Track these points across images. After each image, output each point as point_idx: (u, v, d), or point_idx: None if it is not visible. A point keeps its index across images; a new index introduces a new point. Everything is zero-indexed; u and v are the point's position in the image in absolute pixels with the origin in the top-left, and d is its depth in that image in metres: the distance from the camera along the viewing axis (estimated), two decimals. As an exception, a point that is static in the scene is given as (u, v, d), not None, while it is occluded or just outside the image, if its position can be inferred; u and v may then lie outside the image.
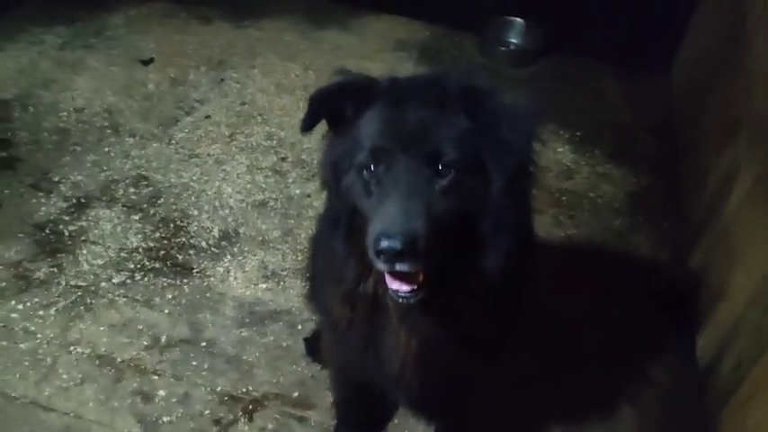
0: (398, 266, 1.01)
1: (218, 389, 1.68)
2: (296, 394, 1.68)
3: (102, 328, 1.78)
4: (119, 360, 1.72)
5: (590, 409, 1.73)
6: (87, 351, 1.73)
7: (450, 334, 1.19)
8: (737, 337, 1.62)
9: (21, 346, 1.72)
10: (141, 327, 1.80)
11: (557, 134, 2.62)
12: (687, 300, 1.96)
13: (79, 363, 1.70)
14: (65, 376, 1.67)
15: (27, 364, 1.68)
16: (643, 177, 2.46)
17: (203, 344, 1.77)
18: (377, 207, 1.05)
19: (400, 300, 1.05)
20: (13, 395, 1.62)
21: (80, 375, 1.67)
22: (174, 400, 1.65)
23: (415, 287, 1.04)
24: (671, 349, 1.88)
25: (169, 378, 1.69)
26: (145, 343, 1.76)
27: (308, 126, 1.15)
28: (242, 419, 1.62)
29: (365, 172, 1.09)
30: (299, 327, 1.82)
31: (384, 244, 0.99)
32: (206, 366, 1.72)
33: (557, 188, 2.39)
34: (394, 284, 1.05)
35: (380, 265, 1.02)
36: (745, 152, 1.87)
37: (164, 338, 1.77)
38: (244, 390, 1.68)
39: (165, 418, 1.61)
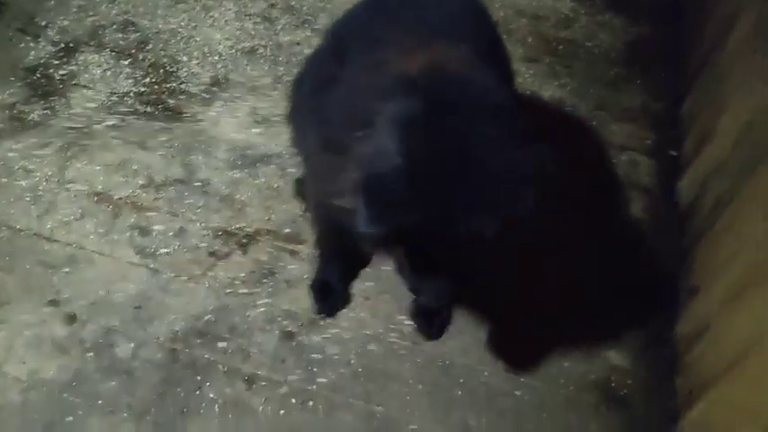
0: None
1: (213, 225, 1.75)
2: (287, 230, 1.75)
3: (97, 168, 1.83)
4: (116, 197, 1.78)
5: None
6: (85, 189, 1.78)
7: None
8: (719, 177, 1.66)
9: (21, 183, 1.78)
10: (136, 167, 1.84)
11: (558, -18, 2.52)
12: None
13: (78, 199, 1.76)
14: (65, 211, 1.74)
15: (28, 199, 1.75)
16: (644, 27, 2.39)
17: (197, 183, 1.82)
18: None
19: None
20: (17, 227, 1.70)
21: (79, 210, 1.74)
22: (171, 234, 1.73)
23: None
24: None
25: (165, 214, 1.76)
26: (140, 182, 1.81)
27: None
28: (236, 252, 1.71)
29: None
30: (290, 170, 1.86)
31: None
32: (200, 204, 1.78)
33: (554, 37, 2.33)
34: None
35: None
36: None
37: (158, 178, 1.82)
38: (237, 226, 1.75)
39: (162, 250, 1.70)
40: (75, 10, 2.22)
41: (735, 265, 1.43)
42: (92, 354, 1.54)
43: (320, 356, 1.58)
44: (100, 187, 1.79)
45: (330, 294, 1.64)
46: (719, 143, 1.71)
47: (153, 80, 2.05)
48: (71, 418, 1.45)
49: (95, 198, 1.77)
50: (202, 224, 1.75)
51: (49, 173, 1.80)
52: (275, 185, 1.83)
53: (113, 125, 1.93)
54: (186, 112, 1.97)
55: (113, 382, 1.50)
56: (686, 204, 1.81)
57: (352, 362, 1.58)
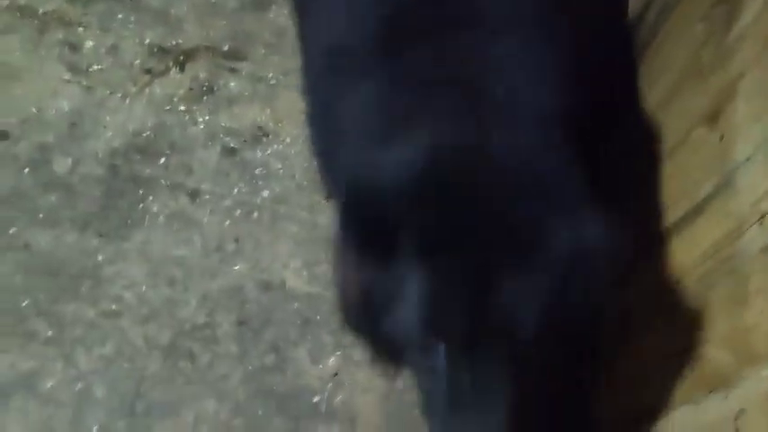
0: None
1: (147, 41, 1.67)
2: (226, 47, 1.69)
3: (17, -17, 1.71)
4: (41, 12, 1.67)
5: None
6: (5, 2, 1.67)
7: None
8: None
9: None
10: (60, -19, 1.72)
11: None
12: None
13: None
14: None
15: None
16: None
17: (128, -2, 1.72)
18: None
19: None
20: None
21: (2, 25, 1.64)
22: (103, 50, 1.65)
23: None
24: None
25: (96, 30, 1.67)
26: (66, -4, 1.71)
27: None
28: (173, 69, 1.65)
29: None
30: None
31: None
32: (132, 20, 1.69)
33: None
34: None
35: None
36: None
37: (86, -8, 1.72)
38: (173, 42, 1.68)
39: (95, 66, 1.62)
40: None
41: (672, 67, 1.44)
42: (28, 169, 1.51)
43: (264, 171, 1.58)
44: (22, 1, 1.68)
45: None
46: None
47: None
48: (14, 230, 1.45)
49: (18, 13, 1.66)
50: (136, 40, 1.66)
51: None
52: (213, 0, 1.74)
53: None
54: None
55: (53, 197, 1.49)
56: (634, 18, 1.79)
57: (297, 176, 1.58)
